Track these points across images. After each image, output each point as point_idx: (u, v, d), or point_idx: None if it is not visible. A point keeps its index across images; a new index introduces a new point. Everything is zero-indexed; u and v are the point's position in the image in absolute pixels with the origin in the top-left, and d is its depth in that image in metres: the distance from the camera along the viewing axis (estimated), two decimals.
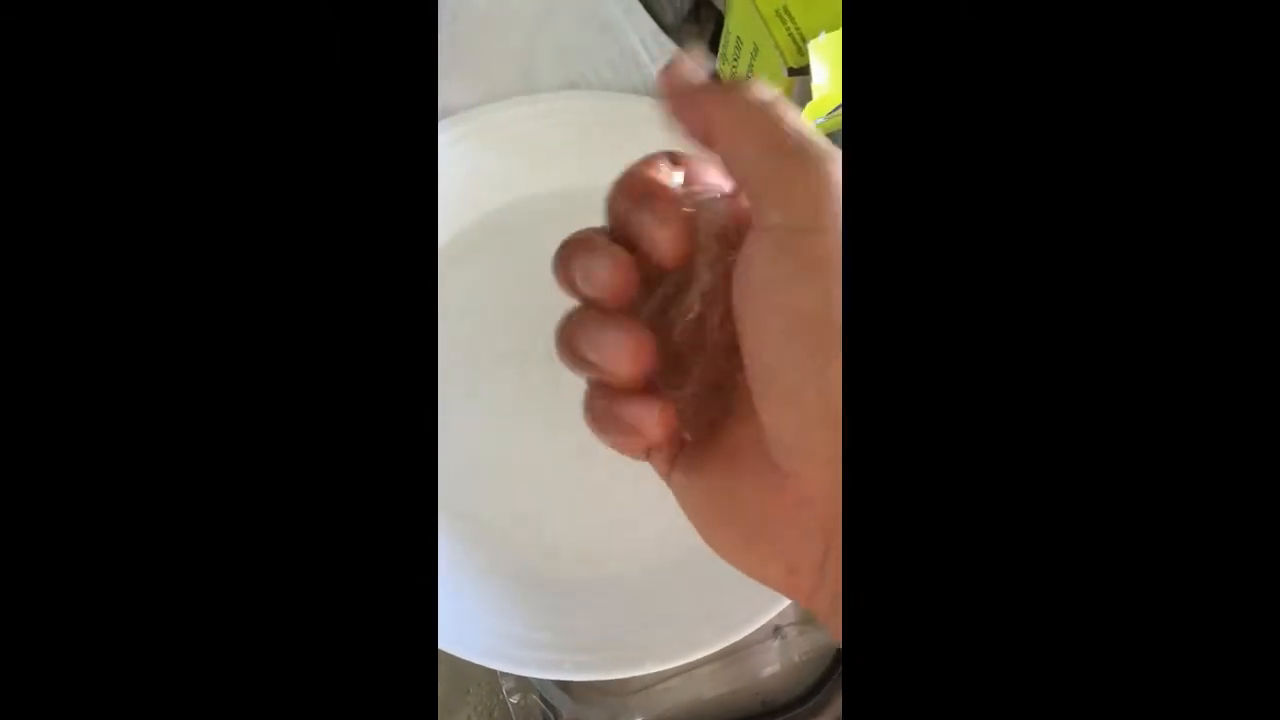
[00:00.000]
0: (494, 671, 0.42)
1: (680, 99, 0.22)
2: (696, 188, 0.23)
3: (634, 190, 0.23)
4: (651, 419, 0.22)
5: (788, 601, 0.39)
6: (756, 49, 0.35)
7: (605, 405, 0.22)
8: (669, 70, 0.22)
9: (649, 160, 0.23)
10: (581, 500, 0.42)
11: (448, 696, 0.43)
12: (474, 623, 0.40)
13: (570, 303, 0.23)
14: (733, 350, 0.21)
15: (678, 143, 0.23)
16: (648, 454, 0.24)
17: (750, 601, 0.39)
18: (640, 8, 0.42)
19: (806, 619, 0.43)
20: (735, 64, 0.38)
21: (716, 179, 0.23)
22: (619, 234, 0.23)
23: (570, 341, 0.22)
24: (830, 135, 0.41)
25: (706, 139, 0.22)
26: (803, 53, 0.33)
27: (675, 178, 0.23)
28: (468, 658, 0.39)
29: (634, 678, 0.41)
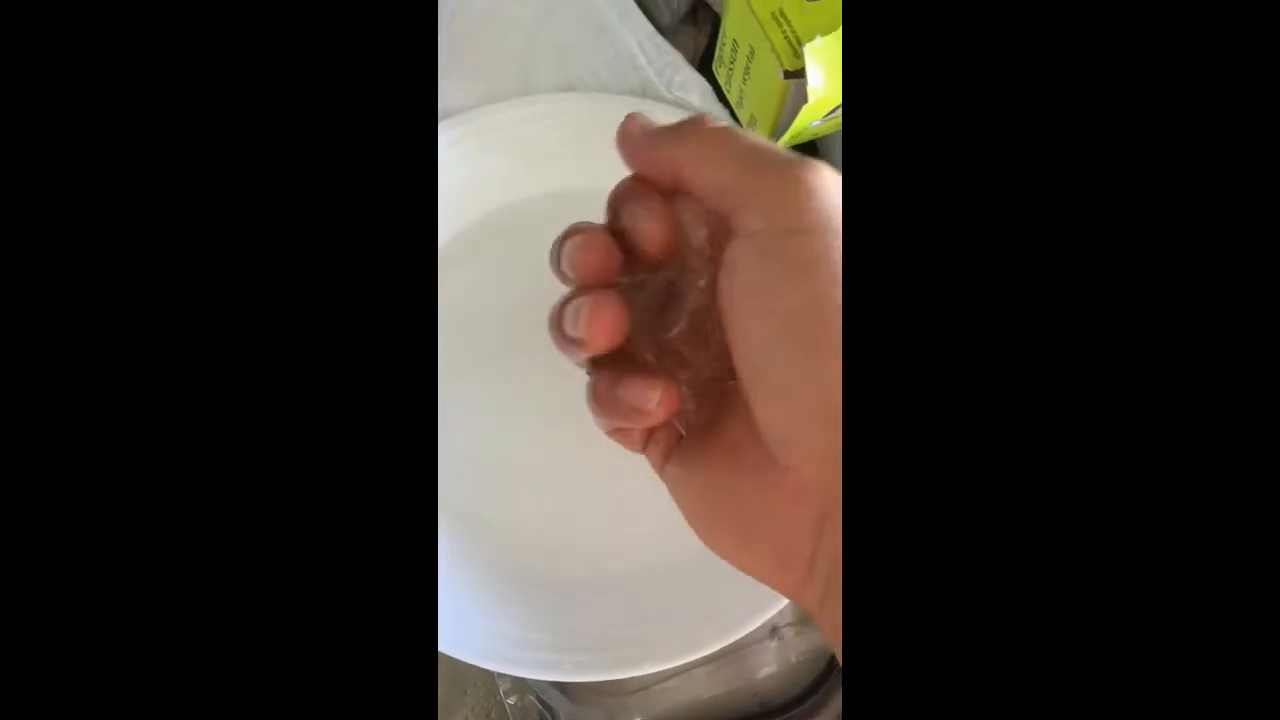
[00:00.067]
0: (491, 672, 0.42)
1: (640, 150, 0.23)
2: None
3: (629, 189, 0.23)
4: (654, 397, 0.22)
5: (785, 602, 0.39)
6: (753, 51, 0.35)
7: (608, 387, 0.22)
8: (624, 130, 0.23)
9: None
10: (579, 501, 0.42)
11: (445, 697, 0.43)
12: (471, 623, 0.40)
13: None
14: (726, 348, 0.22)
15: None
16: (644, 446, 0.24)
17: (748, 602, 0.39)
18: (637, 10, 0.42)
19: (804, 619, 0.43)
20: (731, 66, 0.38)
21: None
22: (613, 227, 0.23)
23: (555, 321, 0.23)
24: (828, 137, 0.41)
25: (675, 181, 0.22)
26: (799, 55, 0.33)
27: None
28: (465, 658, 0.39)
29: (631, 678, 0.41)
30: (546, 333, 0.24)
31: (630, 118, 0.23)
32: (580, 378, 0.24)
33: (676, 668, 0.41)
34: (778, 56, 0.34)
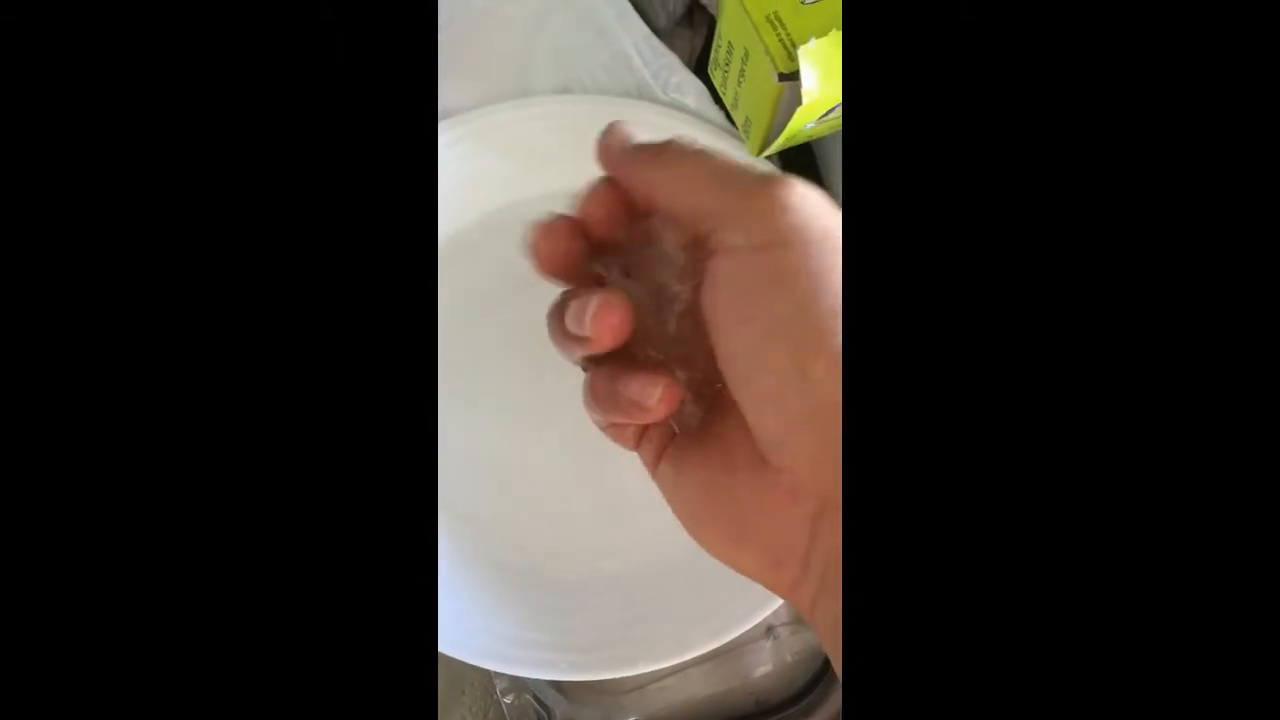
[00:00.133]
0: (488, 671, 0.42)
1: (618, 168, 0.23)
2: None
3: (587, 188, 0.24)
4: (656, 393, 0.22)
5: (780, 601, 0.40)
6: (747, 54, 0.35)
7: (607, 384, 0.23)
8: (604, 144, 0.24)
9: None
10: (576, 501, 0.42)
11: (443, 697, 0.43)
12: (468, 623, 0.40)
13: None
14: (713, 353, 0.22)
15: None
16: (637, 444, 0.24)
17: (743, 602, 0.39)
18: (633, 12, 0.42)
19: (799, 619, 0.43)
20: (727, 69, 0.38)
21: None
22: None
23: (554, 320, 0.23)
24: (823, 138, 0.41)
25: (649, 200, 0.23)
26: (793, 58, 0.33)
27: None
28: (462, 658, 0.39)
29: (628, 677, 0.42)
30: (543, 334, 0.24)
31: (610, 130, 0.24)
32: (578, 378, 0.24)
33: (672, 667, 0.41)
34: (772, 59, 0.34)
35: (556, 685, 0.42)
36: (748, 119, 0.39)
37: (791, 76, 0.33)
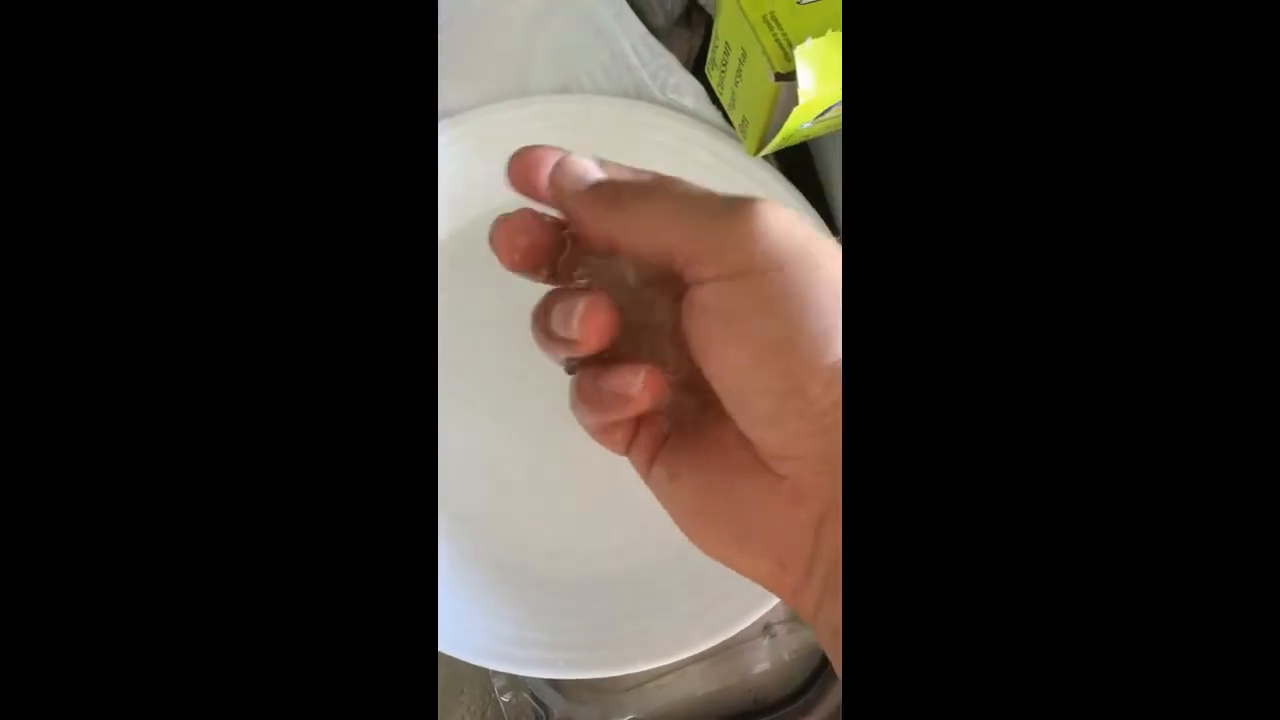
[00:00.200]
0: (486, 670, 0.42)
1: (573, 210, 0.23)
2: None
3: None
4: (638, 383, 0.22)
5: (778, 599, 0.40)
6: (744, 54, 0.36)
7: (591, 381, 0.23)
8: (554, 183, 0.23)
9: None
10: (574, 501, 0.42)
11: (441, 696, 0.43)
12: (466, 622, 0.40)
13: None
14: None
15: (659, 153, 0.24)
16: (628, 448, 0.24)
17: (741, 599, 0.39)
18: (631, 13, 0.42)
19: (796, 616, 0.43)
20: (724, 69, 0.38)
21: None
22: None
23: (541, 321, 0.23)
24: (820, 138, 0.42)
25: (608, 244, 0.22)
26: (789, 58, 0.33)
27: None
28: (461, 657, 0.39)
29: (626, 675, 0.42)
30: None
31: (559, 168, 0.23)
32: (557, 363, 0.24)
33: (670, 665, 0.41)
34: (768, 59, 0.34)
35: (554, 684, 0.42)
36: (745, 119, 0.39)
37: (788, 76, 0.34)
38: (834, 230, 0.42)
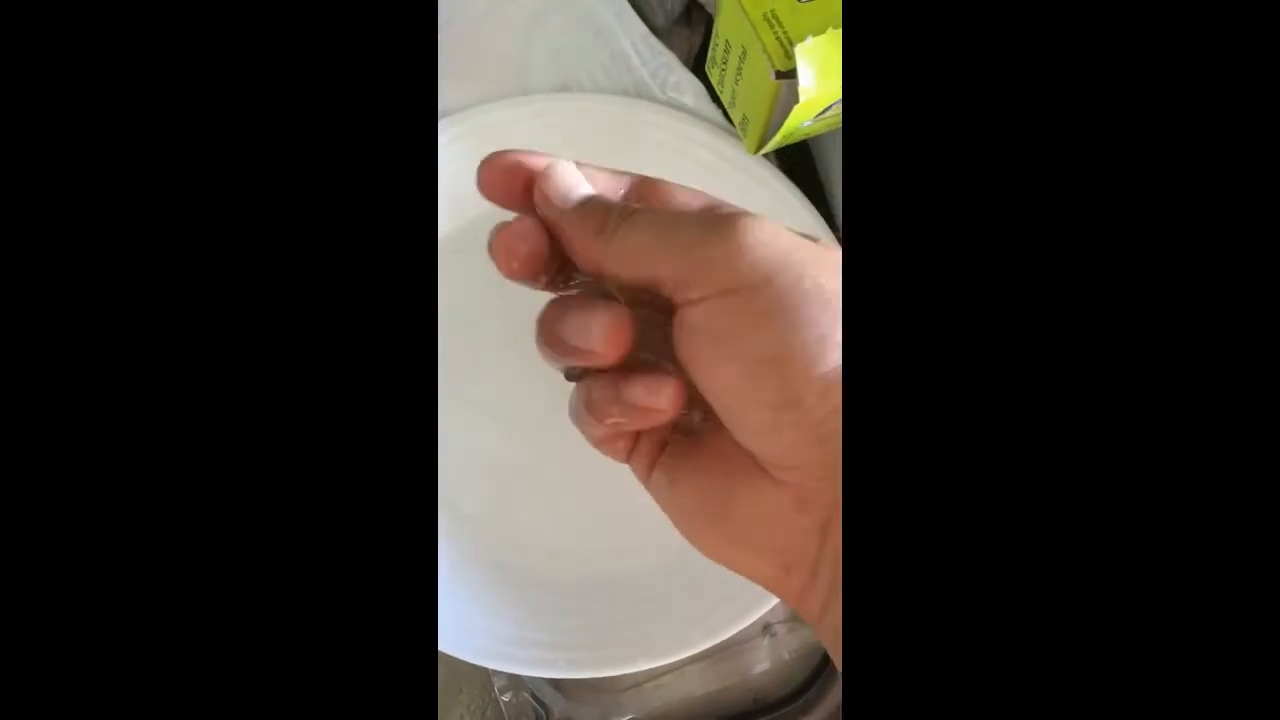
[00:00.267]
0: (486, 670, 0.42)
1: (558, 228, 0.23)
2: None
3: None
4: (666, 394, 0.22)
5: (776, 600, 0.40)
6: (745, 52, 0.36)
7: (607, 391, 0.22)
8: (541, 190, 0.23)
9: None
10: (574, 501, 0.42)
11: (441, 695, 0.43)
12: (466, 622, 0.40)
13: None
14: None
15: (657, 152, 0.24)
16: (629, 455, 0.24)
17: (740, 599, 0.39)
18: (631, 11, 0.42)
19: (796, 616, 0.43)
20: (724, 67, 0.38)
21: (685, 200, 0.24)
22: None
23: (551, 329, 0.23)
24: (820, 136, 0.42)
25: (595, 268, 0.22)
26: (790, 56, 0.33)
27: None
28: (461, 656, 0.39)
29: (625, 675, 0.42)
30: None
31: (544, 179, 0.23)
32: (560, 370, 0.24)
33: (670, 665, 0.41)
34: (769, 57, 0.34)
35: (554, 683, 0.42)
36: (745, 117, 0.39)
37: (788, 74, 0.33)
38: (834, 229, 0.42)
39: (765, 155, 0.41)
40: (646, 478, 0.24)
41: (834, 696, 0.42)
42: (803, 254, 0.20)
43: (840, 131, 0.40)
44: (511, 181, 0.23)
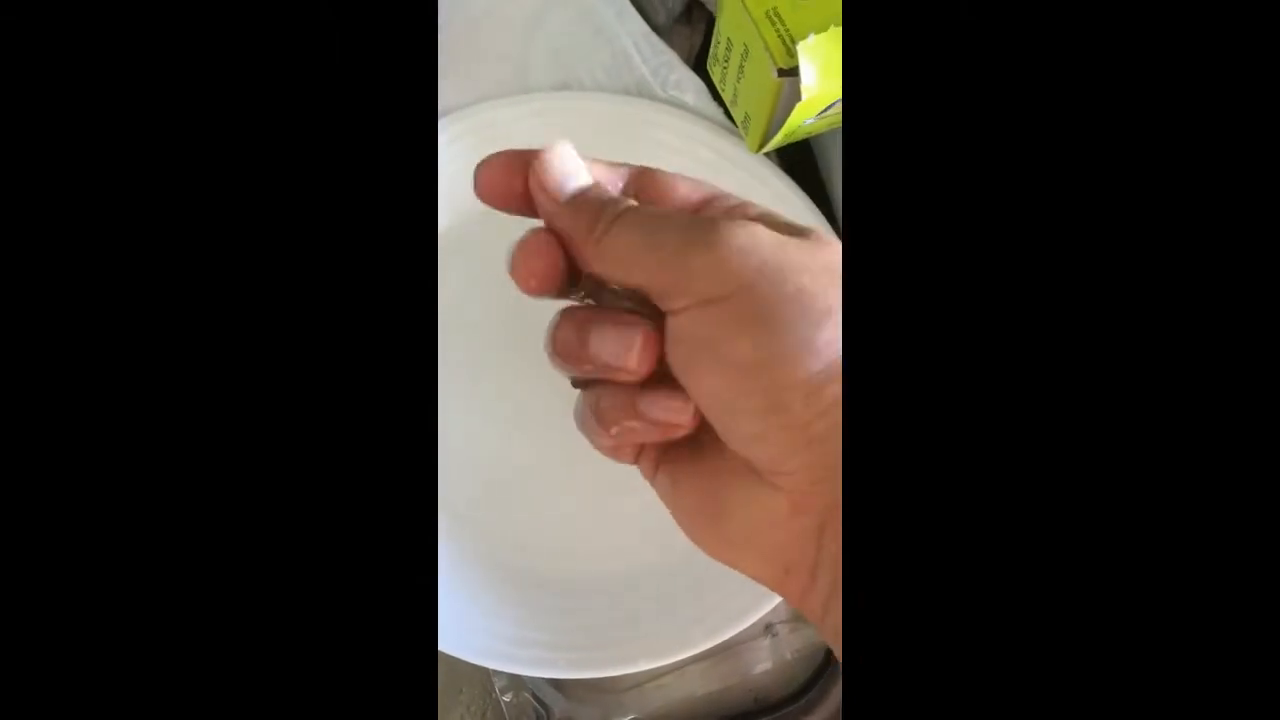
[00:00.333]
0: (486, 670, 0.42)
1: (550, 219, 0.23)
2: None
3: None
4: (688, 409, 0.22)
5: (779, 599, 0.40)
6: (747, 50, 0.35)
7: (620, 401, 0.22)
8: (536, 178, 0.22)
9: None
10: (575, 501, 0.42)
11: (441, 695, 0.43)
12: (467, 622, 0.40)
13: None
14: None
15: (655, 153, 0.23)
16: (637, 458, 0.24)
17: (742, 599, 0.39)
18: (632, 9, 0.42)
19: (798, 616, 0.43)
20: (726, 65, 0.38)
21: (685, 192, 0.24)
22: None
23: (572, 342, 0.22)
24: (822, 135, 0.41)
25: (589, 269, 0.22)
26: (792, 54, 0.33)
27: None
28: (461, 656, 0.39)
29: (626, 675, 0.42)
30: (544, 331, 0.24)
31: (539, 165, 0.23)
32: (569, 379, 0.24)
33: (671, 665, 0.41)
34: (771, 55, 0.34)
35: (555, 683, 0.42)
36: (747, 115, 0.38)
37: (791, 72, 0.33)
38: (835, 227, 0.42)
39: (767, 154, 0.40)
40: (652, 476, 0.24)
41: (835, 697, 0.42)
42: (787, 257, 0.20)
43: (841, 130, 0.40)
44: (510, 180, 0.23)
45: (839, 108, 0.36)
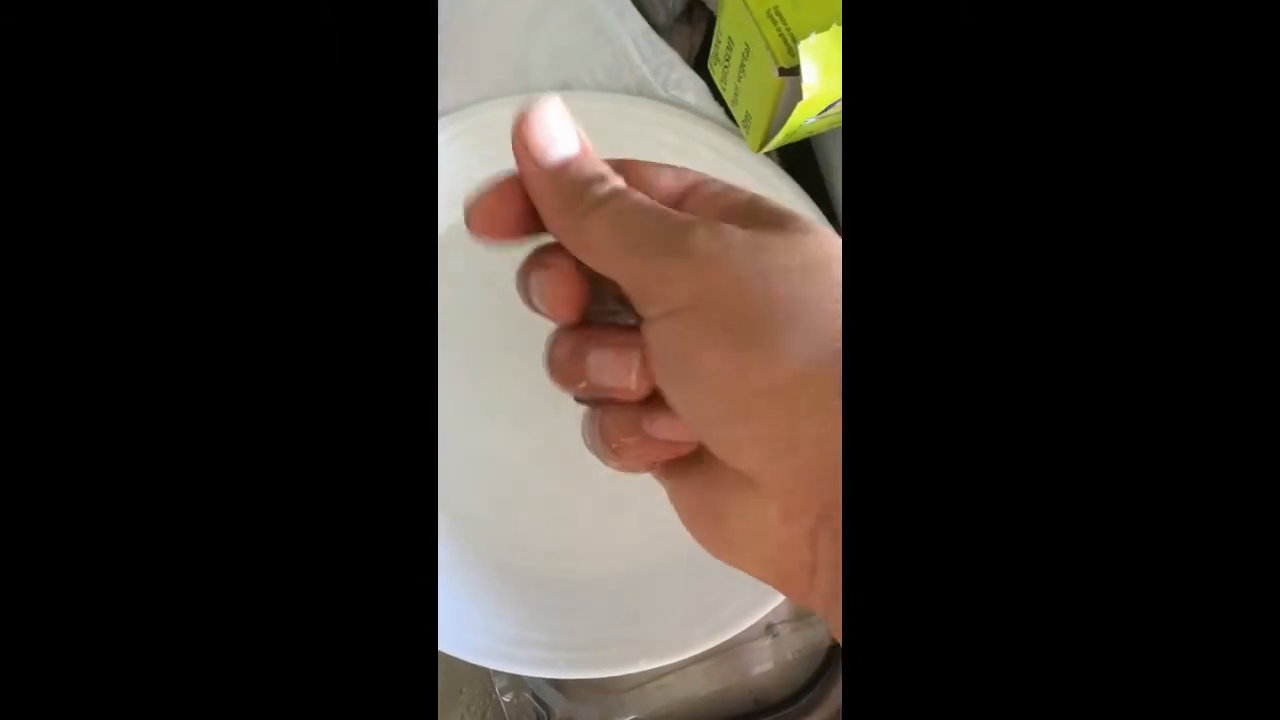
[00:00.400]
0: (486, 670, 0.42)
1: (530, 190, 0.22)
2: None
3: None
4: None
5: (780, 599, 0.40)
6: (748, 49, 0.35)
7: (627, 422, 0.22)
8: (519, 137, 0.22)
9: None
10: (575, 501, 0.42)
11: (441, 696, 0.43)
12: (468, 622, 0.40)
13: None
14: None
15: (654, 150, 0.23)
16: (650, 466, 0.24)
17: (743, 599, 0.39)
18: (632, 9, 0.42)
19: (799, 616, 0.43)
20: (727, 64, 0.38)
21: (668, 184, 0.23)
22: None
23: (568, 365, 0.22)
24: (822, 134, 0.41)
25: (562, 241, 0.22)
26: (793, 53, 0.33)
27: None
28: (462, 656, 0.39)
29: (627, 675, 0.42)
30: (543, 331, 0.24)
31: (524, 123, 0.22)
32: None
33: (672, 665, 0.41)
34: (772, 54, 0.34)
35: (555, 683, 0.42)
36: (748, 114, 0.38)
37: (792, 71, 0.33)
38: (836, 226, 0.42)
39: (768, 153, 0.40)
40: (661, 478, 0.24)
41: (836, 697, 0.42)
42: (758, 262, 0.19)
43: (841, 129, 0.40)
44: (506, 208, 0.22)
45: (840, 107, 0.36)
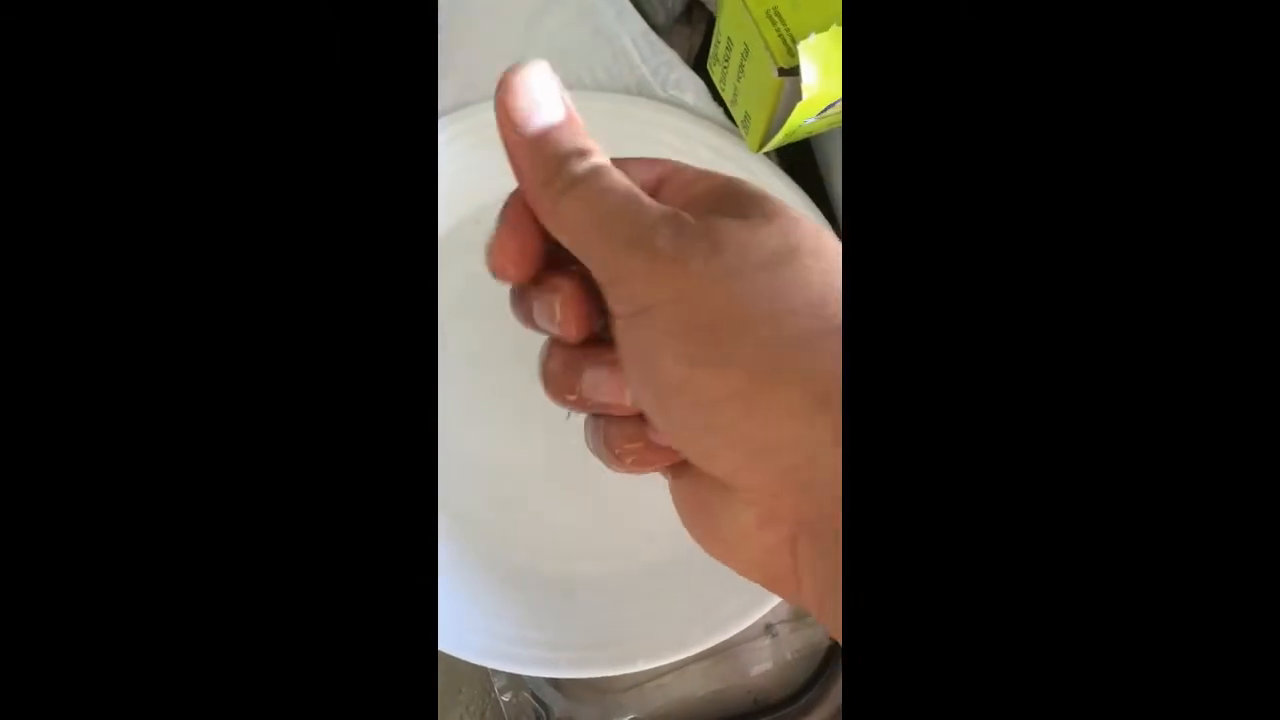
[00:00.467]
0: (485, 669, 0.42)
1: (510, 156, 0.21)
2: None
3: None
4: None
5: (778, 600, 0.40)
6: (747, 49, 0.35)
7: (629, 431, 0.22)
8: (501, 101, 0.20)
9: None
10: (574, 501, 0.42)
11: (441, 696, 0.43)
12: (467, 622, 0.40)
13: None
14: None
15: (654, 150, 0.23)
16: (652, 470, 0.24)
17: (741, 599, 0.39)
18: (632, 9, 0.42)
19: (798, 616, 0.43)
20: (726, 65, 0.38)
21: (641, 177, 0.23)
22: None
23: (562, 379, 0.22)
24: (822, 134, 0.41)
25: (539, 215, 0.21)
26: (793, 54, 0.33)
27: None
28: (461, 656, 0.39)
29: (626, 675, 0.42)
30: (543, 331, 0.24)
31: (505, 86, 0.20)
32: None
33: (671, 664, 0.41)
34: (772, 54, 0.34)
35: (555, 683, 0.42)
36: (747, 115, 0.38)
37: (791, 72, 0.33)
38: (835, 227, 0.42)
39: (767, 153, 0.40)
40: (665, 473, 0.24)
41: (835, 697, 0.42)
42: (723, 261, 0.19)
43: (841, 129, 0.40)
44: (523, 246, 0.21)
45: (839, 107, 0.36)
